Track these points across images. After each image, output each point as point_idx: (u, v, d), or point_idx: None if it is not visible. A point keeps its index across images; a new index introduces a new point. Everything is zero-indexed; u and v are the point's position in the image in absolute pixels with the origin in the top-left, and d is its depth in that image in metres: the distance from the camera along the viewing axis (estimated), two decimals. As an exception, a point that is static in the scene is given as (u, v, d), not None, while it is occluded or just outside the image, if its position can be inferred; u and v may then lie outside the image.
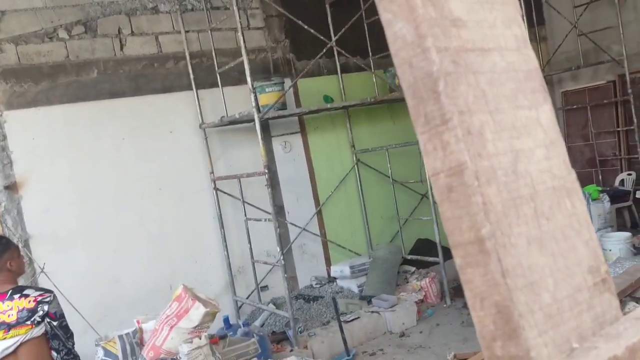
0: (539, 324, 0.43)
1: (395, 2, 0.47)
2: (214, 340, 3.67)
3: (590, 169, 7.48)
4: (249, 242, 4.94)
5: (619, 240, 5.25)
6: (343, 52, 5.52)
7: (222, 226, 5.17)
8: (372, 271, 5.36)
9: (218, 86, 5.12)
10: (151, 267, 4.94)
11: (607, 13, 7.00)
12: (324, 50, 5.00)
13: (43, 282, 4.52)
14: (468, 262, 0.44)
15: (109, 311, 4.70)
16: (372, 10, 5.52)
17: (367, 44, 5.94)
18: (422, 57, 0.45)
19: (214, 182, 5.14)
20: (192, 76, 5.11)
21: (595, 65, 7.20)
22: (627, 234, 5.40)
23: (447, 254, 5.77)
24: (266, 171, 4.34)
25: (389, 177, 5.96)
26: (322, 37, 5.19)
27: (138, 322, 3.80)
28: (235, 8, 4.40)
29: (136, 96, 4.98)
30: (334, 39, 5.35)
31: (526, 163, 0.47)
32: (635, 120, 6.88)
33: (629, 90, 6.87)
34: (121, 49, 4.94)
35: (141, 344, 3.70)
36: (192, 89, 5.13)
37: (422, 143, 0.48)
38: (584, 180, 7.52)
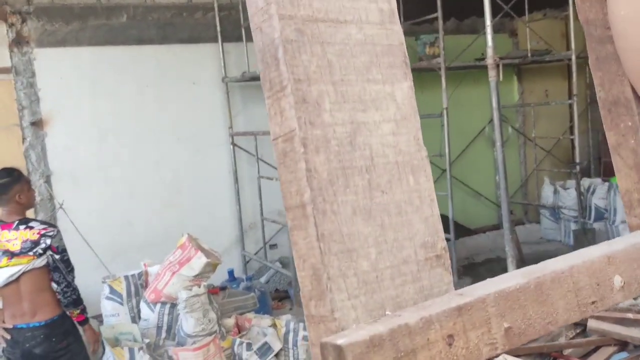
0: (350, 289, 0.45)
1: (251, -36, 0.48)
2: (214, 290, 3.79)
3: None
4: (260, 199, 5.02)
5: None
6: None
7: (236, 181, 5.25)
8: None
9: (243, 40, 5.12)
10: (164, 214, 5.07)
11: None
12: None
13: (61, 218, 4.70)
14: (294, 224, 0.46)
15: (120, 251, 4.87)
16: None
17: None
18: (268, 23, 0.46)
19: (232, 137, 5.19)
20: (218, 29, 5.12)
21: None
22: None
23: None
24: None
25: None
26: None
27: (145, 265, 3.94)
28: None
29: (163, 44, 5.02)
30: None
31: (367, 136, 0.49)
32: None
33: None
34: (151, -5, 4.97)
35: (146, 286, 3.85)
36: (217, 42, 5.15)
37: (267, 107, 0.50)
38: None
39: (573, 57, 5.84)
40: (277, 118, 0.48)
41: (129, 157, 4.93)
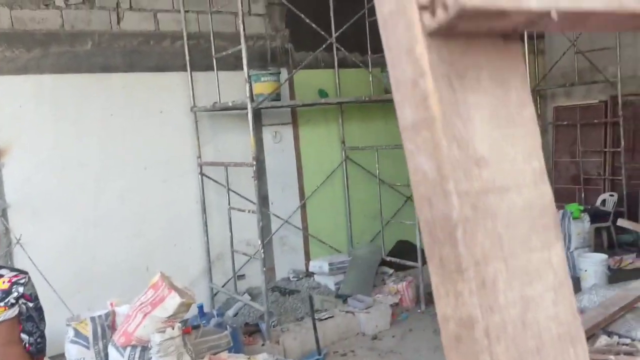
0: None
1: (420, 135, 0.45)
2: (186, 329, 3.66)
3: (573, 185, 7.56)
4: (230, 231, 4.93)
5: (595, 262, 5.33)
6: (342, 48, 5.48)
7: (204, 211, 5.15)
8: (350, 270, 5.38)
9: (213, 70, 5.05)
10: (129, 247, 4.91)
11: (606, 34, 7.03)
12: (324, 46, 4.95)
13: (18, 253, 4.47)
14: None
15: (82, 288, 4.67)
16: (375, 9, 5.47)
17: (367, 40, 5.89)
18: (442, 198, 0.44)
19: (201, 166, 5.10)
20: (187, 57, 5.04)
21: (589, 85, 7.25)
22: (604, 256, 5.48)
23: (424, 257, 5.82)
24: (254, 163, 4.32)
25: (376, 176, 5.95)
26: (322, 33, 5.15)
27: (112, 304, 3.78)
28: None
29: (129, 72, 4.89)
30: (334, 35, 5.31)
31: (535, 311, 0.47)
32: (622, 142, 6.95)
33: (620, 113, 6.93)
34: (118, 23, 4.85)
35: (113, 327, 3.69)
36: (186, 70, 5.06)
37: (434, 284, 0.47)
38: (568, 196, 7.61)
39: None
40: (450, 299, 0.45)
41: (93, 188, 4.75)
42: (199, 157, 5.10)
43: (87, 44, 4.71)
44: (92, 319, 3.60)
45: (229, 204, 4.83)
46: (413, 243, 6.25)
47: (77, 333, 3.55)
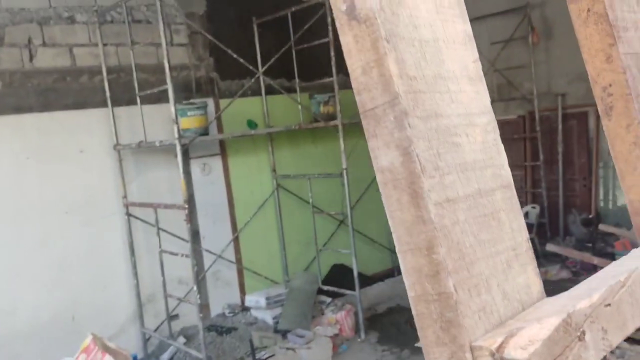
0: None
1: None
2: (122, 390, 3.47)
3: (497, 198, 7.86)
4: (162, 275, 4.72)
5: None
6: (269, 79, 5.43)
7: (132, 253, 4.92)
8: (288, 302, 5.31)
9: (135, 104, 4.85)
10: (52, 295, 4.61)
11: (521, 51, 7.37)
12: (252, 80, 4.87)
13: None
14: None
15: (2, 344, 4.33)
16: (301, 37, 5.45)
17: (293, 66, 5.84)
18: None
19: (127, 207, 4.87)
20: (107, 92, 4.81)
21: (507, 101, 7.57)
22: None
23: (363, 283, 5.85)
24: (186, 206, 4.16)
25: (308, 203, 5.92)
26: (247, 65, 5.07)
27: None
28: (160, 22, 4.17)
29: (45, 112, 4.61)
30: (260, 69, 5.26)
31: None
32: (541, 156, 7.30)
33: (537, 128, 7.28)
34: (30, 60, 4.55)
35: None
36: (107, 106, 4.83)
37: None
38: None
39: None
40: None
41: (9, 237, 4.43)
42: (125, 196, 4.87)
43: (-5, 83, 4.39)
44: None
45: (160, 246, 4.63)
46: (347, 266, 6.28)
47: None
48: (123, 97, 4.96)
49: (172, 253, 4.49)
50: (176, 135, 4.12)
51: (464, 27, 0.52)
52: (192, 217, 4.87)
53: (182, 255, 4.32)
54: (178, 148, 4.12)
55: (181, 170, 4.19)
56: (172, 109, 4.09)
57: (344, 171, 5.20)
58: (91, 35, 4.83)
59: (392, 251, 7.07)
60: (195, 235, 5.24)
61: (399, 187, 0.47)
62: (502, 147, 0.53)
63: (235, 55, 5.03)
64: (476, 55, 0.52)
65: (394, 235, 0.51)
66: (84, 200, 4.79)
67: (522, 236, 0.51)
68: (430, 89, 0.47)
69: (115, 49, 4.97)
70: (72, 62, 4.75)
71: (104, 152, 4.89)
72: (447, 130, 0.48)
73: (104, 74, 4.80)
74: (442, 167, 0.47)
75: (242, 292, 5.73)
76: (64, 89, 4.70)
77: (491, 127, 0.51)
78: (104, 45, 4.82)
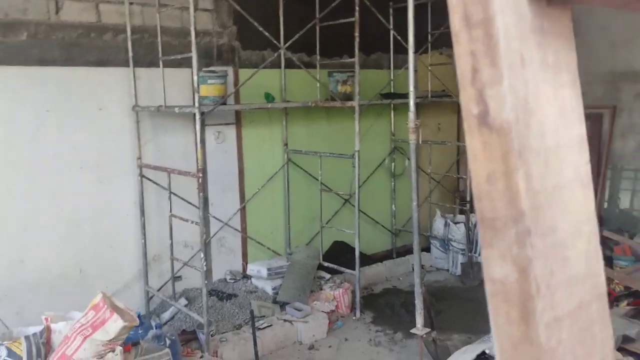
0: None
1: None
2: (126, 348, 3.59)
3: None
4: (171, 238, 4.81)
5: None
6: (289, 53, 5.43)
7: (142, 213, 5.00)
8: (288, 275, 5.43)
9: (156, 66, 4.86)
10: (61, 249, 4.70)
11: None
12: (275, 55, 4.87)
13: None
14: None
15: (10, 292, 4.45)
16: (325, 15, 5.43)
17: (315, 41, 5.82)
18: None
19: (141, 168, 4.93)
20: (130, 52, 4.81)
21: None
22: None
23: (363, 262, 5.96)
24: (200, 175, 4.22)
25: (317, 180, 5.99)
26: (270, 38, 5.06)
27: (46, 320, 3.63)
28: None
29: (67, 66, 4.62)
30: (282, 43, 5.24)
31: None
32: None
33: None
34: (57, 12, 4.54)
35: (48, 344, 3.55)
36: (128, 66, 4.84)
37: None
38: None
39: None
40: None
41: (24, 189, 4.49)
42: (139, 158, 4.93)
43: (22, 34, 4.39)
44: (27, 337, 3.44)
45: (171, 210, 4.71)
46: (347, 244, 6.38)
47: (11, 352, 3.39)
48: (145, 58, 4.97)
49: (182, 219, 4.57)
50: (196, 104, 4.16)
51: (580, 129, 0.53)
52: (204, 185, 4.93)
53: (192, 222, 4.40)
54: (197, 116, 4.16)
55: (198, 138, 4.24)
56: (195, 78, 4.12)
57: (356, 153, 5.25)
58: (118, -8, 4.80)
59: (393, 233, 7.18)
60: (204, 201, 5.31)
61: (510, 302, 0.47)
62: (600, 253, 0.54)
63: (260, 28, 5.02)
64: (588, 156, 0.54)
65: (496, 344, 0.50)
66: (99, 157, 4.85)
67: (609, 347, 0.51)
68: (549, 202, 0.47)
69: (141, 9, 4.96)
70: (97, 18, 4.75)
71: (122, 111, 4.92)
72: (560, 245, 0.48)
73: (128, 33, 4.79)
74: (553, 285, 0.47)
75: (245, 260, 5.84)
76: (87, 44, 4.71)
77: (593, 234, 0.53)
78: (130, 3, 4.81)
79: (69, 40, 4.61)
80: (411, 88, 3.92)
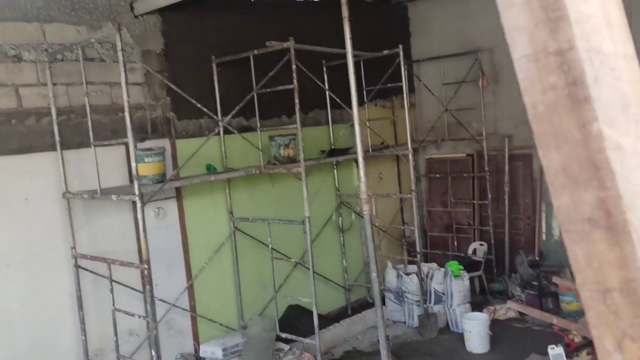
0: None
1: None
2: None
3: (447, 234, 7.98)
4: (115, 335, 4.42)
5: (479, 324, 5.62)
6: (227, 122, 5.26)
7: (80, 307, 4.59)
8: (245, 353, 5.13)
9: (85, 146, 4.57)
10: (-9, 359, 4.22)
11: (471, 92, 7.55)
12: (216, 130, 4.69)
13: None
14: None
15: None
16: (262, 79, 5.32)
17: (252, 105, 5.66)
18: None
19: (76, 258, 4.54)
20: (57, 136, 4.49)
21: (457, 140, 7.73)
22: (485, 316, 5.81)
23: (320, 323, 5.75)
24: (146, 267, 3.92)
25: (265, 245, 5.76)
26: (205, 110, 4.89)
27: None
28: (120, 61, 3.93)
29: (-14, 158, 4.24)
30: (219, 109, 5.08)
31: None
32: (489, 195, 7.48)
33: (486, 168, 7.46)
34: (-29, 101, 4.18)
35: None
36: (55, 150, 4.51)
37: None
38: (442, 244, 8.02)
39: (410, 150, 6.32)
40: None
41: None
42: (73, 247, 4.55)
43: None
44: None
45: (114, 304, 4.34)
46: (304, 308, 6.15)
47: None
48: (73, 140, 4.65)
49: (127, 313, 4.22)
50: (136, 192, 3.88)
51: None
52: (149, 277, 4.59)
53: (139, 317, 4.06)
54: (139, 205, 3.88)
55: (141, 227, 3.95)
56: (133, 165, 3.85)
57: (307, 219, 5.10)
58: (40, 74, 4.49)
59: (346, 289, 7.02)
60: (151, 299, 4.97)
61: None
62: None
63: (193, 101, 4.83)
64: None
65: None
66: (29, 251, 4.44)
67: None
68: None
69: (66, 89, 4.66)
70: (18, 104, 4.40)
71: (51, 198, 4.55)
72: None
73: (54, 116, 4.48)
74: None
75: (196, 340, 5.49)
76: (8, 132, 4.35)
77: None
78: (54, 84, 4.51)
79: (-13, 129, 4.24)
80: (360, 159, 3.83)
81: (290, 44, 5.02)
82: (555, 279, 5.31)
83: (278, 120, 6.29)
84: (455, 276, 6.31)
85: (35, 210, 4.47)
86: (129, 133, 3.91)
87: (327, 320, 6.53)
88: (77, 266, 4.55)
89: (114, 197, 4.16)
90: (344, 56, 4.55)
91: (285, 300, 6.09)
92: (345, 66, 6.37)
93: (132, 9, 5.01)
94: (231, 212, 5.77)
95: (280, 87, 5.15)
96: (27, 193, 4.44)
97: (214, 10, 5.57)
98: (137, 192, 3.84)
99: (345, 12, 4.50)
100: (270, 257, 5.69)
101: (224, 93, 5.64)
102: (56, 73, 4.54)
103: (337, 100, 6.10)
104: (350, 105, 6.57)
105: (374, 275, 3.96)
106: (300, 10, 6.49)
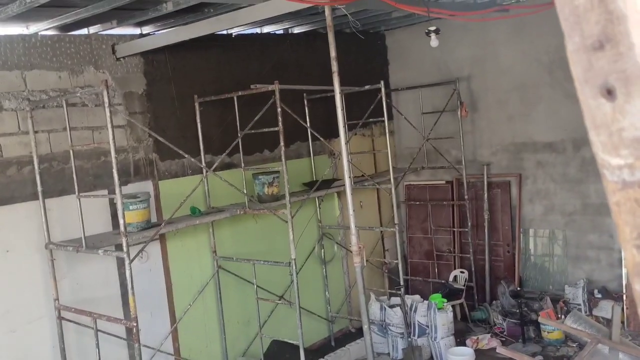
0: None
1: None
2: None
3: (427, 260, 8.04)
4: (102, 390, 4.32)
5: (464, 358, 5.67)
6: (211, 165, 5.23)
7: (64, 359, 4.48)
8: (232, 399, 5.07)
9: (68, 193, 4.48)
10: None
11: (449, 121, 7.63)
12: (198, 187, 4.64)
13: None
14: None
15: None
16: (248, 121, 5.29)
17: (234, 142, 5.62)
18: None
19: (59, 310, 4.44)
20: (39, 184, 4.38)
21: (435, 168, 7.82)
22: (470, 351, 5.87)
23: (309, 359, 5.73)
24: (135, 324, 3.85)
25: (250, 283, 5.72)
26: (182, 153, 4.82)
27: None
28: (106, 103, 3.86)
29: (-35, 211, 4.11)
30: (202, 148, 5.03)
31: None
32: (469, 222, 7.57)
33: (466, 196, 7.55)
34: (-51, 154, 4.05)
35: None
36: (37, 199, 4.40)
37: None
38: (423, 270, 8.07)
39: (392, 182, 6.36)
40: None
41: None
42: (56, 299, 4.44)
43: None
44: None
45: (99, 358, 4.25)
46: (288, 343, 6.12)
47: None
48: (55, 187, 4.56)
49: (115, 369, 4.13)
50: (124, 248, 3.81)
51: None
52: (137, 335, 4.50)
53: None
54: (127, 262, 3.81)
55: (130, 284, 3.87)
56: (121, 221, 3.78)
57: (293, 261, 5.08)
58: (20, 122, 4.39)
59: (330, 321, 7.01)
60: (130, 329, 4.88)
61: None
62: None
63: (174, 147, 4.75)
64: None
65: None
66: (9, 304, 4.32)
67: None
68: None
69: (47, 136, 4.56)
70: (-2, 154, 4.29)
71: (33, 249, 4.44)
72: None
73: (36, 164, 4.37)
74: None
75: (180, 384, 5.41)
76: (-12, 183, 4.23)
77: None
78: (35, 132, 4.40)
79: (-34, 181, 4.12)
80: (351, 211, 3.84)
81: (275, 86, 5.01)
82: (542, 316, 5.40)
83: (260, 155, 6.26)
84: (439, 309, 6.36)
85: (17, 261, 4.36)
86: (116, 183, 3.84)
87: (311, 353, 6.50)
88: (60, 318, 4.44)
89: (100, 252, 4.07)
90: (325, 90, 4.56)
91: (270, 334, 6.05)
92: (325, 99, 6.47)
93: (114, 52, 4.93)
94: (215, 251, 5.71)
95: (266, 130, 5.13)
96: (8, 245, 4.32)
97: (196, 49, 5.53)
98: (125, 248, 3.77)
99: (333, 51, 4.51)
100: (254, 294, 5.65)
101: (206, 131, 5.60)
102: (37, 120, 4.44)
103: (318, 136, 6.11)
104: (330, 137, 6.66)
105: (365, 327, 3.96)
106: (280, 44, 6.50)
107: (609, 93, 0.37)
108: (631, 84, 0.35)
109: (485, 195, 7.53)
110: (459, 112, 7.45)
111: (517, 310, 6.77)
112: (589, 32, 0.36)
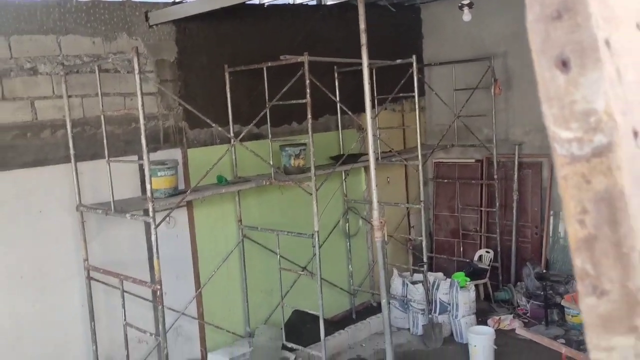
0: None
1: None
2: None
3: (453, 239, 8.01)
4: (126, 348, 4.48)
5: (484, 338, 5.66)
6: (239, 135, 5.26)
7: (92, 318, 4.65)
8: (252, 364, 5.21)
9: (99, 157, 4.59)
10: (4, 368, 4.30)
11: (482, 98, 7.49)
12: (225, 156, 4.68)
13: None
14: None
15: None
16: (276, 92, 5.29)
17: (262, 112, 5.65)
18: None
19: (88, 271, 4.59)
20: (71, 148, 4.50)
21: (466, 146, 7.71)
22: (491, 330, 5.85)
23: (329, 330, 5.82)
24: (159, 287, 3.96)
25: (273, 252, 5.80)
26: (210, 122, 4.85)
27: None
28: (136, 70, 3.92)
29: (1, 171, 4.26)
30: (231, 118, 5.07)
31: None
32: (497, 202, 7.48)
33: (495, 176, 7.45)
34: (-13, 115, 4.19)
35: None
36: (69, 162, 4.52)
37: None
38: (448, 248, 8.05)
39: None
40: None
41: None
42: (86, 259, 4.60)
43: (-53, 143, 4.02)
44: None
45: (125, 318, 4.40)
46: (309, 313, 6.21)
47: None
48: (87, 151, 4.67)
49: (139, 329, 4.28)
50: (150, 213, 3.90)
51: None
52: (161, 297, 4.62)
53: (151, 334, 4.12)
54: (152, 227, 3.91)
55: (155, 249, 3.98)
56: (148, 187, 3.87)
57: (316, 234, 5.13)
58: (55, 87, 4.49)
59: (351, 294, 7.08)
60: (163, 321, 5.02)
61: None
62: None
63: (202, 117, 4.79)
64: None
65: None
66: (42, 263, 4.49)
67: None
68: None
69: (80, 101, 4.66)
70: (33, 116, 4.41)
71: (65, 211, 4.59)
72: None
73: (69, 128, 4.48)
74: None
75: (203, 345, 5.57)
76: (23, 145, 4.36)
77: None
78: (69, 96, 4.50)
79: (2, 143, 4.25)
80: (374, 186, 3.84)
81: (305, 58, 4.99)
82: (566, 299, 5.34)
83: (288, 127, 6.28)
84: (461, 287, 6.35)
85: (49, 222, 4.51)
86: (144, 149, 3.91)
87: (332, 324, 6.59)
88: (89, 278, 4.59)
89: (128, 216, 4.19)
90: (356, 63, 4.53)
91: (291, 304, 6.15)
92: (356, 72, 6.40)
93: (147, 19, 4.98)
94: (240, 220, 5.80)
95: (294, 101, 5.13)
96: (41, 206, 4.47)
97: (227, 19, 5.53)
98: (151, 214, 3.87)
99: (362, 24, 4.46)
100: (277, 264, 5.74)
101: (235, 101, 5.64)
102: (71, 85, 4.54)
103: (347, 110, 6.08)
104: (359, 111, 6.61)
105: (384, 301, 3.99)
106: (312, 15, 6.44)
107: (564, 65, 0.37)
108: (586, 56, 0.34)
109: (516, 175, 7.40)
110: (492, 90, 7.31)
111: (542, 293, 6.71)
112: (549, 2, 0.36)
